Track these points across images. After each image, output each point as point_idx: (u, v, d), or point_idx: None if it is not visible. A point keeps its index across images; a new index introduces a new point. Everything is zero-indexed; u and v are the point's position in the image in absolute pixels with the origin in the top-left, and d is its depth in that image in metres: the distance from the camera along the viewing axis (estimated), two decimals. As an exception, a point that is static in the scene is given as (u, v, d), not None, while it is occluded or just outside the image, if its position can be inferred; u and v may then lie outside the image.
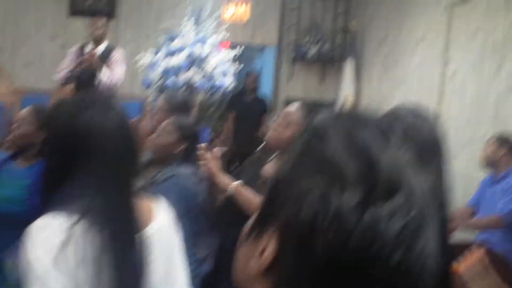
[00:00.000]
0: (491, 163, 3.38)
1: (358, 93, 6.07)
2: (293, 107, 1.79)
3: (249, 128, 5.60)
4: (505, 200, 3.20)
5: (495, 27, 3.97)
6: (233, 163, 4.66)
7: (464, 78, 4.29)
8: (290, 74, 6.42)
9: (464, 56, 4.30)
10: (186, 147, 2.04)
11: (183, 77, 4.13)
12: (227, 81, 4.40)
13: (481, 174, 3.64)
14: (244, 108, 5.70)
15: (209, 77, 4.24)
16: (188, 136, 2.10)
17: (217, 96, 4.38)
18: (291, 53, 6.35)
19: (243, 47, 5.12)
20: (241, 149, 5.15)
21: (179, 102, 2.84)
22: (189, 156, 2.00)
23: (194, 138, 2.09)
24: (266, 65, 6.69)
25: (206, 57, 4.21)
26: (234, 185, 1.76)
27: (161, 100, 2.79)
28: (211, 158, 1.79)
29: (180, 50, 4.17)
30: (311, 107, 1.78)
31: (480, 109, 4.09)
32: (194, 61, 4.17)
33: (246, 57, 6.34)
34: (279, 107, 6.15)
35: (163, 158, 2.07)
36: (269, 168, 1.81)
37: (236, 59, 4.44)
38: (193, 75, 4.15)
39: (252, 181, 1.82)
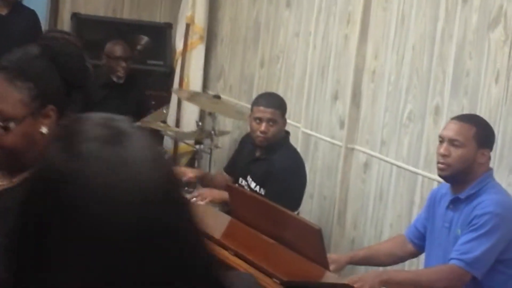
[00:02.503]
0: (460, 171, 3.39)
1: (214, 13, 6.24)
2: None
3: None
4: (468, 239, 3.30)
5: None
6: None
7: (404, 4, 4.44)
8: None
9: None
10: None
11: None
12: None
13: (429, 174, 3.97)
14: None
15: None
16: None
17: None
18: None
19: None
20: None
21: None
22: None
23: None
24: None
25: None
26: None
27: None
28: None
29: None
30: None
31: (434, 64, 4.22)
32: None
33: None
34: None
35: None
36: None
37: None
38: None
39: None
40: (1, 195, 1.89)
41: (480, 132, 3.40)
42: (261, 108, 4.41)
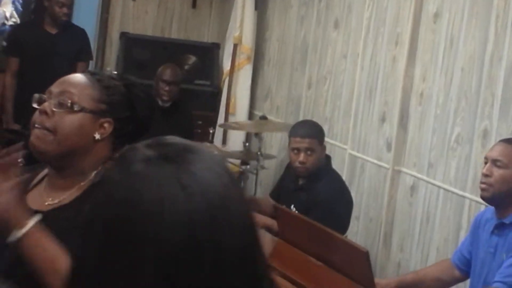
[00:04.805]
0: (501, 192, 3.38)
1: (261, 33, 6.29)
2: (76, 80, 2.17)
3: (51, 83, 5.94)
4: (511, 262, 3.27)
5: None
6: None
7: (453, 26, 4.46)
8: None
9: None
10: None
11: None
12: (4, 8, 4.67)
13: (477, 197, 3.89)
14: (41, 49, 5.87)
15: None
16: None
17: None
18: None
19: None
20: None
21: None
22: None
23: None
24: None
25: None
26: (28, 224, 1.89)
27: None
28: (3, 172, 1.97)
29: None
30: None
31: (483, 87, 4.20)
32: None
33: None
34: (111, 49, 6.56)
35: None
36: None
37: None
38: None
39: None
40: (53, 214, 2.00)
41: None
42: (298, 138, 4.40)
